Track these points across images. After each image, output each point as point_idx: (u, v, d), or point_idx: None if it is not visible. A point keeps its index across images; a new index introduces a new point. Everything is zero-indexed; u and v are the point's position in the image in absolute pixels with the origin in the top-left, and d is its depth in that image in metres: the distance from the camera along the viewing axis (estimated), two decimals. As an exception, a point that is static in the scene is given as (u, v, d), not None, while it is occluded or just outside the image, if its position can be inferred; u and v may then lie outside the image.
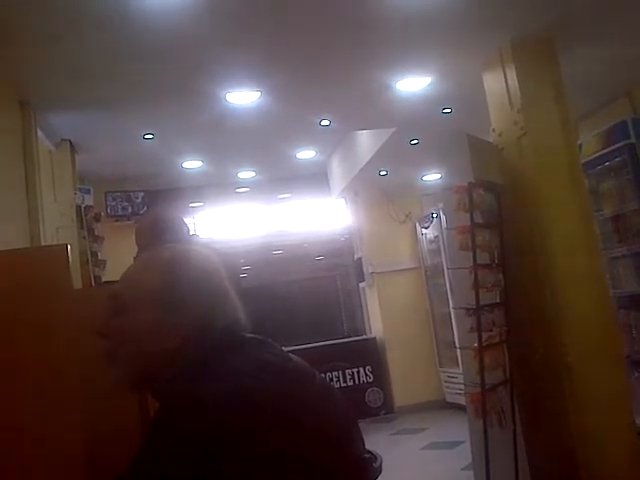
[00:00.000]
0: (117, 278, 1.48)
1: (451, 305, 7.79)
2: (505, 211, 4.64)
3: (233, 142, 6.75)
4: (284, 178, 8.76)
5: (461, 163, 4.52)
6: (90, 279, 5.33)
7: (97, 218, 6.05)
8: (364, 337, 9.57)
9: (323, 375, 1.44)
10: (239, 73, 4.89)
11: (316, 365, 1.43)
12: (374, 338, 9.40)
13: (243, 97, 5.30)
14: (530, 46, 4.68)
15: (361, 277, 9.76)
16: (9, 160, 4.35)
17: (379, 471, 1.58)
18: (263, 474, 1.16)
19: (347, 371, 8.95)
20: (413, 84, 5.43)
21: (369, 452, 1.51)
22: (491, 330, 4.24)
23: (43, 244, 4.43)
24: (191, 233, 3.31)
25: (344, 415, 1.39)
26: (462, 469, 5.58)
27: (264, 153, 7.49)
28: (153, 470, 1.14)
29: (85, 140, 5.97)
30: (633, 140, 5.18)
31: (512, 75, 4.72)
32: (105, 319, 1.38)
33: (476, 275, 4.15)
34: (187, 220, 3.45)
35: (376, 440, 6.70)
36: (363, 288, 9.87)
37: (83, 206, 5.69)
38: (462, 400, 5.53)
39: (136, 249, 3.17)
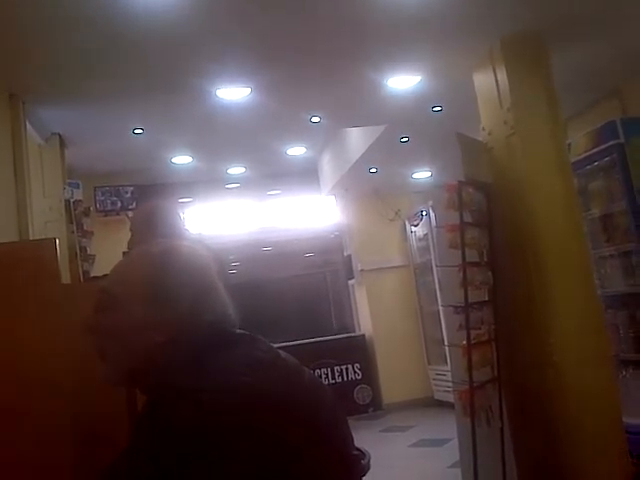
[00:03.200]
0: (106, 273, 1.47)
1: (440, 303, 7.82)
2: (494, 209, 4.66)
3: (223, 138, 6.74)
4: (274, 174, 8.75)
5: (451, 161, 4.53)
6: (79, 274, 5.31)
7: (86, 213, 6.02)
8: (353, 334, 9.59)
9: (312, 372, 1.44)
10: (230, 69, 4.87)
11: (305, 362, 1.43)
12: (363, 335, 9.42)
13: (233, 93, 5.29)
14: (520, 45, 4.69)
15: (350, 274, 9.76)
16: (-2, 154, 4.34)
17: (367, 468, 1.59)
18: (255, 470, 1.16)
19: (336, 368, 8.96)
20: (404, 82, 5.43)
21: (357, 449, 1.51)
22: (479, 328, 4.26)
23: (31, 238, 4.41)
24: (185, 227, 3.32)
25: (333, 412, 1.39)
26: (450, 467, 5.61)
27: (254, 149, 7.48)
28: (146, 466, 1.13)
29: (75, 134, 5.94)
30: (622, 140, 5.18)
31: (502, 74, 4.73)
32: (94, 314, 1.38)
33: (465, 273, 4.16)
34: (182, 213, 3.46)
35: (364, 437, 6.67)
36: (352, 285, 9.87)
37: (72, 200, 5.67)
38: (450, 397, 5.55)
39: (130, 237, 3.17)
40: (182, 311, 1.33)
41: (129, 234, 3.20)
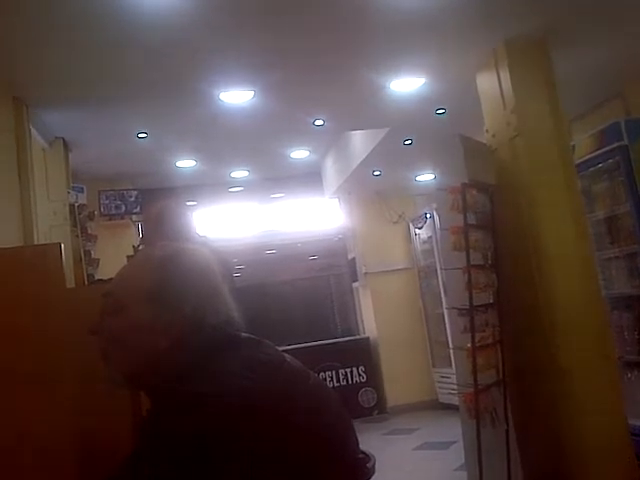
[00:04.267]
0: (110, 277, 1.48)
1: (444, 305, 7.80)
2: (498, 212, 4.65)
3: (227, 141, 6.74)
4: (278, 178, 8.76)
5: (454, 164, 4.53)
6: (83, 278, 5.31)
7: (91, 217, 6.03)
8: (357, 337, 9.58)
9: (317, 375, 1.44)
10: (233, 72, 4.88)
11: (309, 365, 1.43)
12: (367, 338, 9.41)
13: (237, 96, 5.29)
14: (524, 47, 4.68)
15: (354, 277, 9.76)
16: (2, 158, 4.34)
17: (372, 471, 1.59)
18: (259, 474, 1.15)
19: (340, 371, 8.95)
20: (407, 84, 5.43)
21: (363, 452, 1.51)
22: (484, 330, 4.25)
23: (36, 243, 4.42)
24: (194, 228, 3.31)
25: (339, 415, 1.39)
26: (455, 469, 5.59)
27: (257, 152, 7.49)
28: (151, 470, 1.13)
29: (79, 138, 5.95)
30: (626, 142, 5.17)
31: (506, 76, 4.73)
32: (98, 317, 1.38)
33: (469, 275, 4.16)
34: (192, 216, 3.46)
35: (369, 440, 6.69)
36: (356, 288, 9.87)
37: (76, 204, 5.67)
38: (455, 400, 5.53)
39: (141, 237, 3.19)
40: (186, 314, 1.33)
41: (141, 234, 3.21)
